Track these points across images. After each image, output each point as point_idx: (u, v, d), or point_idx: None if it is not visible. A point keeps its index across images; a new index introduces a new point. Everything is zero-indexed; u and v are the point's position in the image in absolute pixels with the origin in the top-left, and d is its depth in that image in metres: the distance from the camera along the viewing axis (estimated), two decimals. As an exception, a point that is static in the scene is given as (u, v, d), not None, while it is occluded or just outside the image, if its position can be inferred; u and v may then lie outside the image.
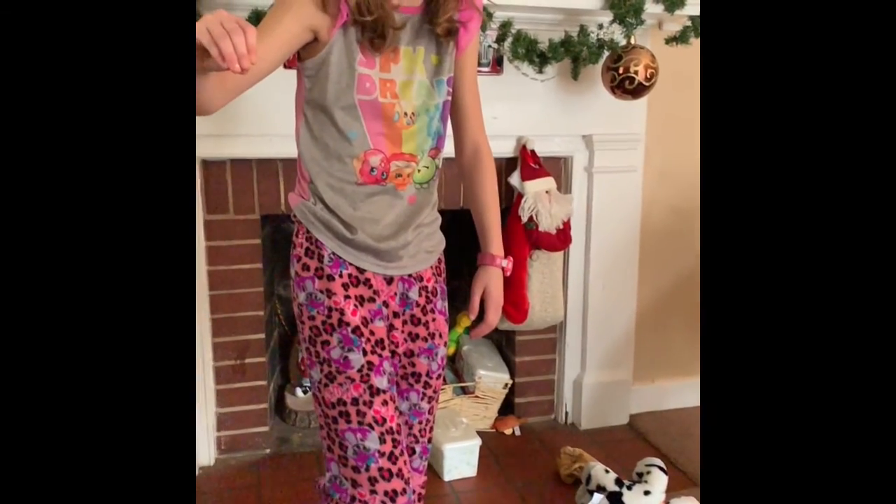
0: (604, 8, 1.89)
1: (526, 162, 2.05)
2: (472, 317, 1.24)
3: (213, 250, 1.91)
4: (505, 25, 1.88)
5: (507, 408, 2.29)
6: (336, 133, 1.08)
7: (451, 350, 2.33)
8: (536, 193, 2.03)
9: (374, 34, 1.04)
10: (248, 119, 1.78)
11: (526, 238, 2.05)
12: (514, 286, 2.07)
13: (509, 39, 1.90)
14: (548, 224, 2.02)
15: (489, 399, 2.24)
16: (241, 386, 2.02)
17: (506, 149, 2.08)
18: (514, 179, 2.07)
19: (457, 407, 2.20)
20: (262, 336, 2.02)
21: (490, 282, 1.23)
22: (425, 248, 1.18)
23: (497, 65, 2.01)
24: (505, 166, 2.09)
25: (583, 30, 1.91)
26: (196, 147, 1.78)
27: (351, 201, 1.11)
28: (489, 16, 1.83)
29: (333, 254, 1.12)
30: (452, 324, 2.33)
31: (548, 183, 2.06)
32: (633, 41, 1.90)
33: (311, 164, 1.12)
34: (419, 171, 1.14)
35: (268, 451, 2.08)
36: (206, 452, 1.99)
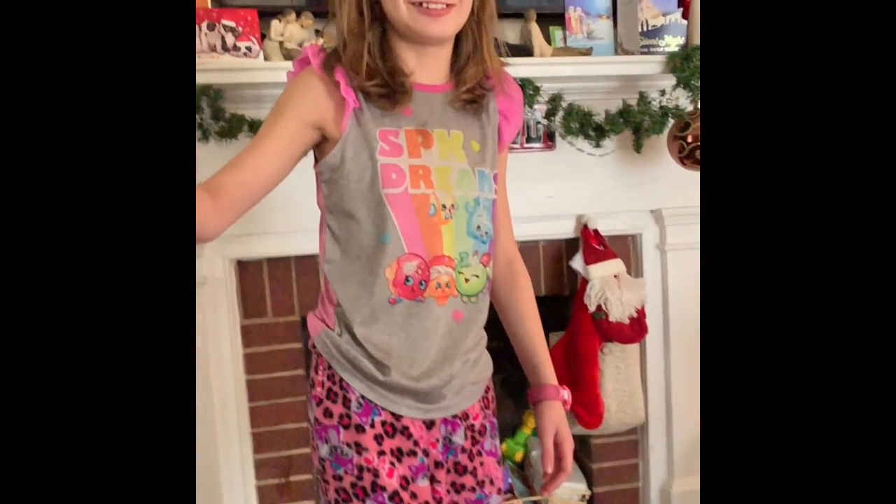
0: (665, 72, 1.72)
1: (589, 243, 1.85)
2: (549, 471, 1.02)
3: (252, 357, 1.78)
4: (555, 99, 1.73)
5: (586, 524, 2.01)
6: (365, 239, 0.91)
7: (520, 455, 2.09)
8: (603, 279, 1.82)
9: (387, 89, 0.89)
10: (281, 214, 1.67)
11: (595, 330, 1.82)
12: (586, 386, 1.83)
13: (560, 114, 1.74)
14: (619, 313, 1.80)
15: (565, 514, 1.97)
16: (287, 507, 1.83)
17: (565, 229, 1.90)
18: (577, 263, 1.86)
19: (528, 525, 1.94)
20: (308, 450, 1.84)
21: (561, 420, 1.03)
22: (472, 379, 0.98)
23: (549, 139, 1.86)
24: (565, 249, 1.91)
25: (643, 97, 1.74)
26: (229, 248, 1.68)
27: (386, 326, 0.92)
28: (536, 90, 1.69)
29: (363, 398, 0.92)
30: (518, 424, 2.10)
31: (616, 266, 1.84)
32: (699, 106, 1.71)
33: (338, 285, 0.94)
34: (467, 279, 0.94)
35: (316, 580, 1.86)
36: (248, 584, 1.79)
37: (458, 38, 0.95)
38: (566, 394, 1.05)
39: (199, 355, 1.68)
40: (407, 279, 0.90)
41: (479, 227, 0.94)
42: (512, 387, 2.05)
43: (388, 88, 0.89)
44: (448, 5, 0.88)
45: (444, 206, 0.91)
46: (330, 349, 0.94)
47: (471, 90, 0.94)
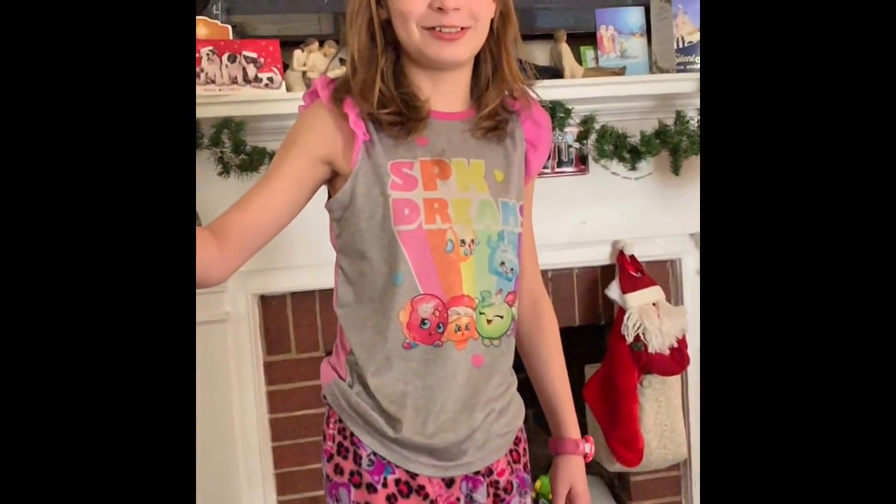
0: (702, 90, 1.64)
1: (625, 270, 1.77)
2: None
3: (275, 395, 1.72)
4: (587, 121, 1.66)
5: (627, 565, 1.91)
6: (378, 281, 0.85)
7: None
8: (641, 307, 1.73)
9: (401, 117, 0.83)
10: (304, 248, 1.61)
11: (633, 361, 1.73)
12: (625, 421, 1.74)
13: (593, 136, 1.67)
14: (659, 344, 1.71)
15: (604, 555, 1.87)
16: (313, 552, 1.76)
17: (599, 256, 1.82)
18: (613, 292, 1.78)
19: (566, 567, 1.84)
20: (334, 490, 1.77)
21: (577, 477, 0.96)
22: (497, 431, 0.89)
23: (581, 162, 1.78)
24: (600, 276, 1.83)
25: (680, 117, 1.66)
26: (252, 283, 1.63)
27: (401, 374, 0.85)
28: (567, 112, 1.61)
29: (375, 454, 0.86)
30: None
31: (654, 294, 1.76)
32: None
33: (351, 332, 0.87)
34: (489, 320, 0.86)
35: None
36: None
37: (478, 62, 0.89)
38: (588, 447, 0.98)
39: (221, 394, 1.64)
40: (423, 322, 0.84)
41: (503, 264, 0.87)
42: (546, 421, 1.97)
43: (401, 116, 0.84)
44: (462, 28, 0.82)
45: (462, 242, 0.85)
46: (340, 401, 0.88)
47: (492, 115, 0.88)
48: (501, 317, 0.87)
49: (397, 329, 0.84)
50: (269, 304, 1.70)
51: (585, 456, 0.98)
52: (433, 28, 0.81)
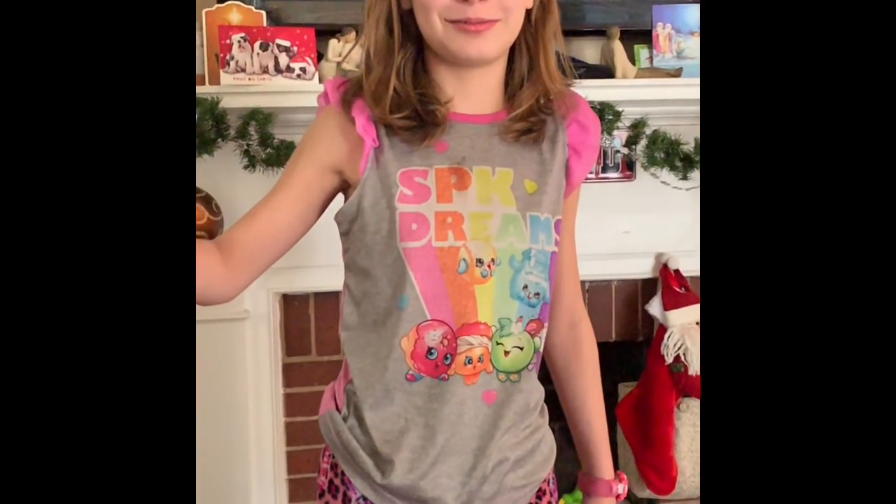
0: (765, 97, 1.52)
1: (669, 285, 1.67)
2: None
3: (292, 398, 1.65)
4: (638, 125, 1.55)
5: None
6: (382, 303, 0.75)
7: (577, 510, 1.92)
8: (684, 326, 1.64)
9: (415, 121, 0.75)
10: (329, 246, 1.53)
11: (672, 383, 1.64)
12: (659, 446, 1.65)
13: (643, 142, 1.56)
14: (700, 366, 1.61)
15: (628, 582, 1.79)
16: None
17: (642, 269, 1.72)
18: (654, 308, 1.68)
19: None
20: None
21: None
22: (512, 483, 0.78)
23: (628, 168, 1.68)
24: (641, 290, 1.74)
25: (738, 125, 1.54)
26: (274, 280, 1.56)
27: (402, 410, 0.75)
28: (617, 115, 1.51)
29: (364, 498, 0.77)
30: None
31: (698, 312, 1.65)
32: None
33: (352, 357, 0.79)
34: (507, 352, 0.76)
35: None
36: None
37: (512, 57, 0.79)
38: (621, 487, 0.89)
39: (236, 394, 1.59)
40: (430, 351, 0.74)
41: (525, 287, 0.76)
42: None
43: (416, 120, 0.75)
44: (490, 21, 0.72)
45: (479, 262, 0.74)
46: (332, 435, 0.79)
47: (525, 117, 0.78)
48: (521, 348, 0.77)
49: (399, 358, 0.74)
50: (291, 304, 1.63)
51: (617, 497, 0.89)
52: (458, 20, 0.72)
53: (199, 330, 1.40)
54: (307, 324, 1.64)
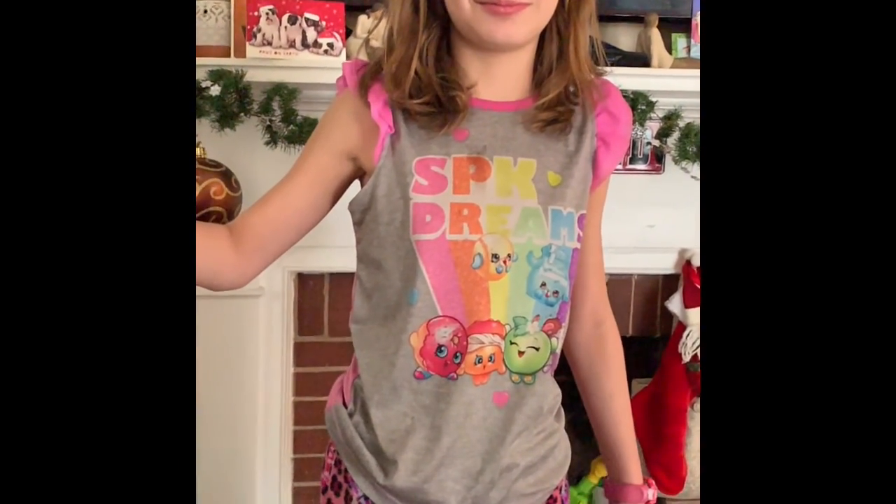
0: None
1: (690, 282, 1.63)
2: None
3: (302, 378, 1.64)
4: (671, 117, 1.50)
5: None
6: (392, 296, 0.73)
7: (582, 504, 1.91)
8: (703, 326, 1.60)
9: (435, 107, 0.72)
10: (349, 227, 1.50)
11: (688, 383, 1.62)
12: (669, 445, 1.63)
13: (676, 134, 1.51)
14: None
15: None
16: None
17: (664, 264, 1.69)
18: (674, 304, 1.65)
19: (588, 586, 1.76)
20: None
21: None
22: (521, 489, 0.75)
23: (657, 160, 1.63)
24: (662, 286, 1.70)
25: (775, 123, 1.49)
26: (290, 259, 1.53)
27: (409, 409, 0.73)
28: (650, 105, 1.46)
29: (366, 498, 0.74)
30: (585, 471, 1.92)
31: (719, 312, 1.62)
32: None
33: (361, 351, 0.76)
34: (521, 352, 0.73)
35: None
36: None
37: (542, 42, 0.75)
38: (651, 493, 0.86)
39: (247, 370, 1.58)
40: (439, 349, 0.71)
41: (544, 285, 0.73)
42: (581, 427, 1.86)
43: (436, 106, 0.71)
44: (521, 3, 0.68)
45: (495, 257, 0.71)
46: (337, 431, 0.77)
47: (552, 106, 0.74)
48: (537, 349, 0.73)
49: (407, 355, 0.72)
50: (306, 283, 1.61)
51: (647, 503, 0.86)
52: (488, 2, 0.69)
53: (214, 304, 1.39)
54: (321, 304, 1.61)
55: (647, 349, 1.76)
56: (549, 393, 0.77)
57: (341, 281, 1.60)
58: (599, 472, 1.84)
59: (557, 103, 0.74)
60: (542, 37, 0.75)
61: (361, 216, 0.75)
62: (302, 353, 1.62)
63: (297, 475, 1.67)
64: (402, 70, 0.71)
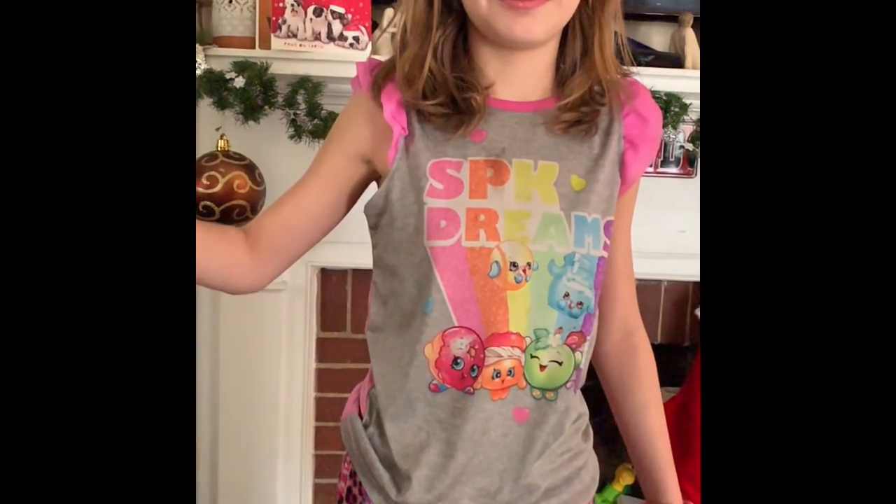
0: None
1: (721, 291, 1.59)
2: None
3: (324, 374, 1.64)
4: (704, 120, 1.46)
5: None
6: (407, 304, 0.70)
7: (606, 513, 1.87)
8: (734, 335, 1.56)
9: (450, 108, 0.69)
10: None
11: (717, 393, 1.56)
12: (695, 455, 1.57)
13: (709, 137, 1.47)
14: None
15: (653, 592, 1.73)
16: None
17: (694, 271, 1.61)
18: (705, 313, 1.60)
19: None
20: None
21: None
22: None
23: (689, 164, 1.59)
24: (692, 294, 1.66)
25: (814, 127, 1.44)
26: (314, 254, 1.54)
27: (424, 423, 0.70)
28: (683, 107, 1.42)
29: None
30: (609, 477, 1.87)
31: (751, 321, 1.57)
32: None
33: (377, 361, 0.74)
34: (543, 366, 0.69)
35: None
36: None
37: (565, 39, 0.72)
38: None
39: (268, 365, 1.58)
40: (455, 361, 0.68)
41: (567, 295, 0.69)
42: (606, 432, 1.82)
43: (450, 107, 0.68)
44: None
45: (514, 265, 0.67)
46: (351, 442, 0.75)
47: (576, 106, 0.71)
48: (560, 363, 0.70)
49: (421, 366, 0.69)
50: (329, 278, 1.61)
51: None
52: None
53: (237, 299, 1.40)
54: (344, 300, 1.61)
55: (675, 357, 1.72)
56: (573, 409, 0.74)
57: (364, 277, 1.60)
58: (624, 479, 1.80)
59: (581, 104, 0.71)
60: (565, 34, 0.72)
61: (376, 220, 0.73)
62: (324, 349, 1.63)
63: (318, 471, 1.67)
64: (415, 69, 0.68)
